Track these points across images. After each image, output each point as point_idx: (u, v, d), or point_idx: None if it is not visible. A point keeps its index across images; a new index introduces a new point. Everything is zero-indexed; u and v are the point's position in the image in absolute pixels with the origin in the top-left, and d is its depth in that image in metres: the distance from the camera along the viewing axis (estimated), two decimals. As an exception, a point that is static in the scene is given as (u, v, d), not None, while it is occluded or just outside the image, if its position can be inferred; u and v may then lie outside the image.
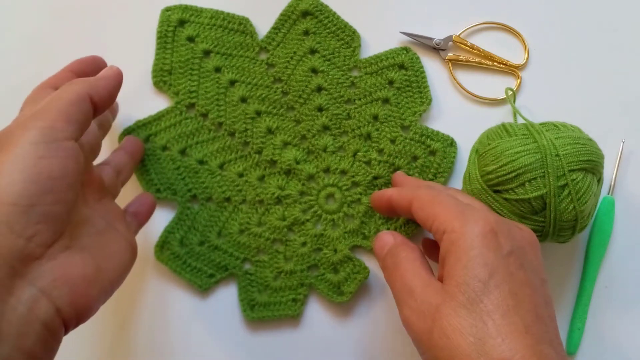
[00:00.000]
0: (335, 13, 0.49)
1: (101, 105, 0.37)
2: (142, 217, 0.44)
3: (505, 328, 0.30)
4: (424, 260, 0.37)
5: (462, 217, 0.34)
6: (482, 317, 0.31)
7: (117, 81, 0.39)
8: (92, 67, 0.41)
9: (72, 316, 0.33)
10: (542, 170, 0.39)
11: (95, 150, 0.42)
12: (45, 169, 0.32)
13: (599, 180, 0.41)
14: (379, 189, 0.47)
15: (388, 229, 0.47)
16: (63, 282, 0.32)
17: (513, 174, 0.39)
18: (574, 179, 0.39)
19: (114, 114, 0.47)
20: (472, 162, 0.42)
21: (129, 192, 0.49)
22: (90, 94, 0.36)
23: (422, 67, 0.48)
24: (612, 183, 0.47)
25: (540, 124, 0.42)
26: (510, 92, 0.47)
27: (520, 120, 0.46)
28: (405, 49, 0.48)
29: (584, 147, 0.40)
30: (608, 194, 0.47)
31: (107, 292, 0.36)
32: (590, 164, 0.40)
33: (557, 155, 0.39)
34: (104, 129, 0.45)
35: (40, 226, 0.31)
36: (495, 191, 0.40)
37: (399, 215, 0.45)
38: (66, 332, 0.33)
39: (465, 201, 0.37)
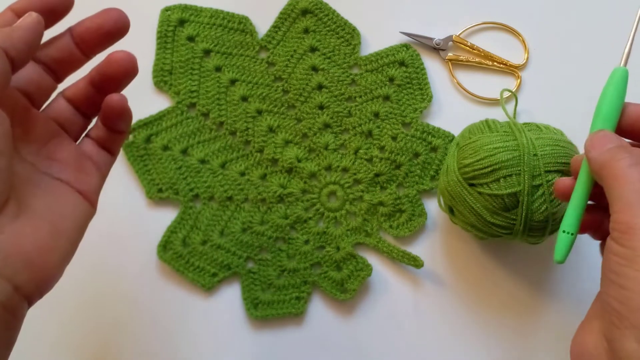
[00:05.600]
0: (334, 11, 0.49)
1: (19, 59, 0.31)
2: (115, 143, 0.37)
3: None
4: None
5: None
6: None
7: (35, 31, 0.32)
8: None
9: (34, 290, 0.30)
10: (519, 168, 0.39)
11: (36, 95, 0.34)
12: None
13: None
14: (381, 187, 0.48)
15: (390, 226, 0.47)
16: (16, 258, 0.30)
17: (489, 169, 0.39)
18: (550, 180, 0.39)
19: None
20: (451, 154, 0.43)
21: (127, 191, 0.49)
22: (5, 48, 0.30)
23: (422, 64, 0.49)
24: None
25: (524, 124, 0.42)
26: (507, 94, 0.47)
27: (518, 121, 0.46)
28: (406, 46, 0.49)
29: (563, 150, 0.40)
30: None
31: (69, 252, 0.33)
32: (568, 167, 0.40)
33: (535, 155, 0.39)
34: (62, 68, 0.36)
35: None
36: (471, 184, 0.40)
37: None
38: (30, 305, 0.31)
39: None
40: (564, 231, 0.35)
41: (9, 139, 0.30)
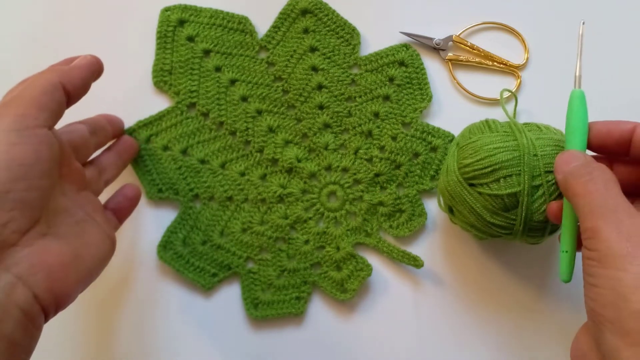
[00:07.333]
0: (334, 11, 0.49)
1: (74, 94, 0.37)
2: (123, 213, 0.44)
3: None
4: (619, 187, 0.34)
5: None
6: None
7: (90, 70, 0.39)
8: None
9: (51, 302, 0.33)
10: (519, 168, 0.39)
11: (80, 151, 0.41)
12: (17, 156, 0.32)
13: None
14: (381, 187, 0.48)
15: (390, 226, 0.47)
16: (40, 269, 0.32)
17: (489, 169, 0.39)
18: (550, 180, 0.39)
19: (115, 127, 0.46)
20: (451, 154, 0.43)
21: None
22: (63, 82, 0.36)
23: (422, 63, 0.49)
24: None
25: (524, 124, 0.42)
26: (507, 94, 0.47)
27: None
28: (405, 46, 0.49)
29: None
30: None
31: (85, 280, 0.36)
32: None
33: (535, 155, 0.39)
34: (98, 137, 0.44)
35: (14, 212, 0.31)
36: (470, 184, 0.41)
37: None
38: (46, 319, 0.33)
39: None
40: (562, 251, 0.38)
41: (56, 162, 0.35)
